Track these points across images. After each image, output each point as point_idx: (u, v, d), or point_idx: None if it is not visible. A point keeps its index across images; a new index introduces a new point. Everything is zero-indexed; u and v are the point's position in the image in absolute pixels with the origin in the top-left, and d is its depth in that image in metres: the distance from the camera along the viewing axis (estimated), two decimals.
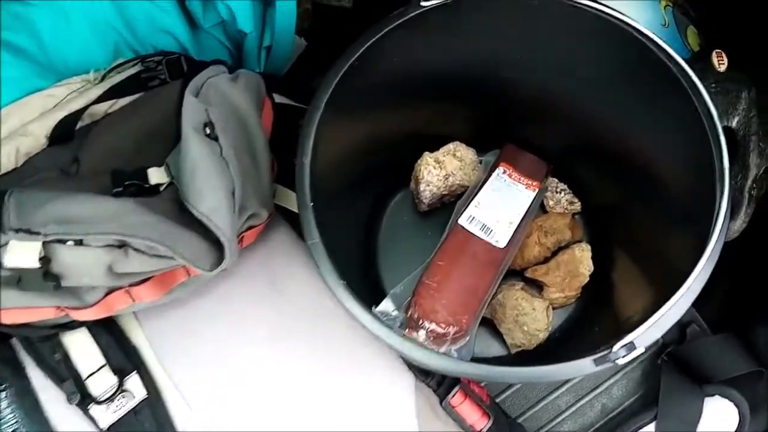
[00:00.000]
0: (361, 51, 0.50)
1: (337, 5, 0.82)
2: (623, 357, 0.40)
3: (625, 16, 0.49)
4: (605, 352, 0.40)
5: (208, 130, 0.48)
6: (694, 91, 0.47)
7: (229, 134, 0.49)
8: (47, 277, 0.43)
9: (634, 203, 0.60)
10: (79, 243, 0.43)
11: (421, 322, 0.48)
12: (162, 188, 0.50)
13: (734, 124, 0.54)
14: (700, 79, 0.47)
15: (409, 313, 0.49)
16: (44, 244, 0.42)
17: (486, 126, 0.69)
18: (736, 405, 0.59)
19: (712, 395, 0.59)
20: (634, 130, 0.56)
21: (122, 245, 0.44)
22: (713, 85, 0.54)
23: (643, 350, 0.40)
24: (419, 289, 0.51)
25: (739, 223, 0.54)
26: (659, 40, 0.48)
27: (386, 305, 0.50)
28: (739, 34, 0.59)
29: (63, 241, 0.42)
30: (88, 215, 0.43)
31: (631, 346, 0.40)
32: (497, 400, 0.62)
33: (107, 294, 0.47)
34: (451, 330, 0.48)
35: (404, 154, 0.68)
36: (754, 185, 0.54)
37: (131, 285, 0.48)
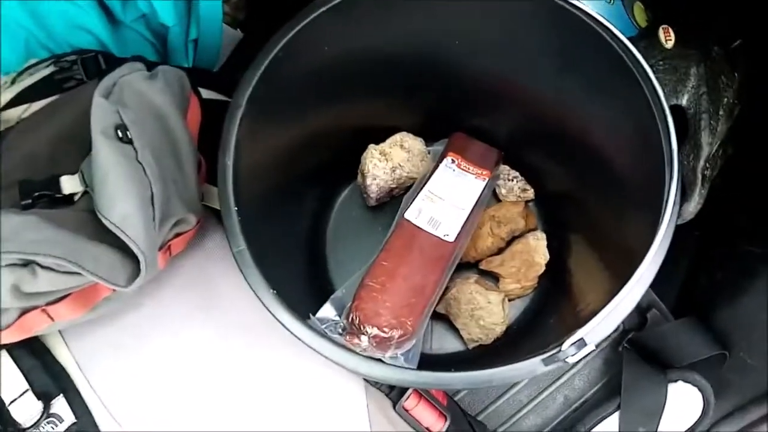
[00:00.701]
0: (285, 41, 0.46)
1: None
2: (573, 355, 0.37)
3: None
4: (554, 351, 0.38)
5: (120, 133, 0.44)
6: (639, 71, 0.45)
7: (145, 136, 0.46)
8: None
9: (587, 188, 0.58)
10: None
11: (362, 327, 0.45)
12: (77, 198, 0.46)
13: (684, 101, 0.51)
14: (647, 56, 0.44)
15: (351, 318, 0.46)
16: None
17: (433, 115, 0.66)
18: (701, 390, 0.58)
19: (676, 381, 0.58)
20: (582, 113, 0.54)
21: (27, 263, 0.40)
22: (661, 62, 0.52)
23: (593, 348, 0.38)
24: (361, 291, 0.48)
25: (694, 205, 0.52)
26: (602, 19, 0.46)
27: (326, 311, 0.47)
28: (687, 9, 0.57)
29: None
30: None
31: (581, 344, 0.38)
32: (456, 398, 0.59)
33: (21, 314, 0.43)
34: (396, 334, 0.45)
35: (349, 148, 0.64)
36: (707, 165, 0.51)
37: (48, 304, 0.44)
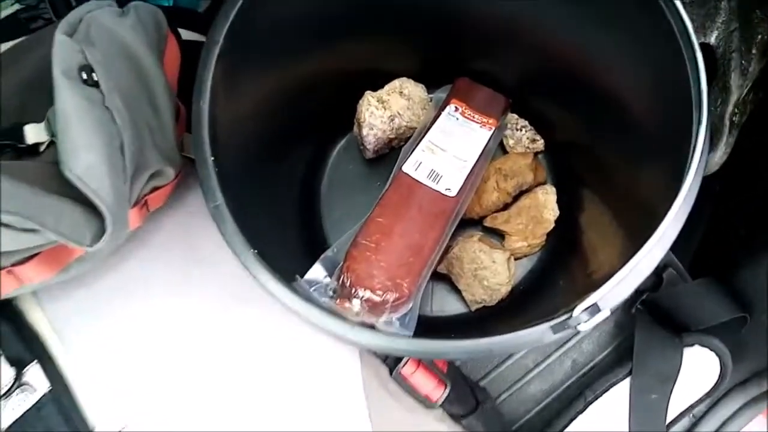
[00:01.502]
0: None
1: None
2: (585, 322, 0.33)
3: None
4: (564, 318, 0.34)
5: (84, 75, 0.39)
6: (666, 2, 0.39)
7: (114, 78, 0.41)
8: None
9: (601, 138, 0.53)
10: None
11: (354, 290, 0.41)
12: (42, 148, 0.42)
13: (713, 39, 0.46)
14: None
15: (341, 279, 0.42)
16: None
17: (435, 58, 0.61)
18: (718, 355, 0.54)
19: (692, 345, 0.54)
20: (597, 52, 0.48)
21: None
22: None
23: (608, 313, 0.34)
24: (353, 251, 0.44)
25: (720, 155, 0.48)
26: None
27: (316, 272, 0.43)
28: None
29: None
30: None
31: (594, 309, 0.34)
32: (456, 363, 0.56)
33: None
34: (390, 297, 0.41)
35: (345, 95, 0.59)
36: (736, 110, 0.47)
37: (14, 264, 0.40)
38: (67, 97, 0.38)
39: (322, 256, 0.44)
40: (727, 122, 0.46)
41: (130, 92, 0.43)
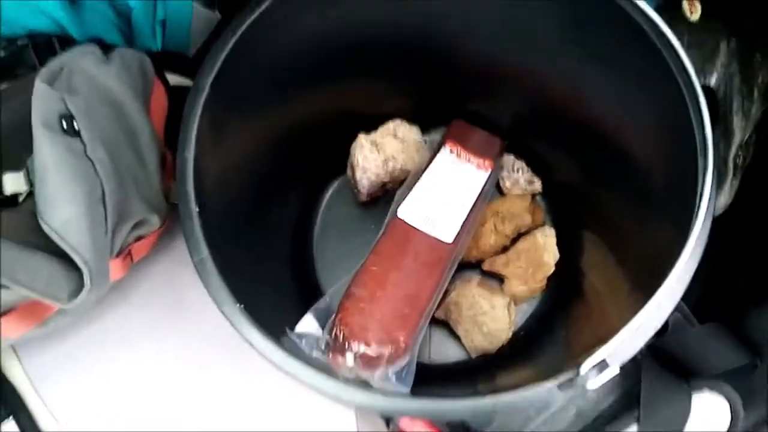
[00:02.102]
0: (258, 12, 0.40)
1: None
2: (593, 380, 0.31)
3: None
4: (571, 375, 0.32)
5: (65, 124, 0.38)
6: (665, 44, 0.39)
7: (97, 127, 0.40)
8: None
9: (601, 180, 0.52)
10: None
11: (347, 344, 0.39)
12: (21, 199, 0.41)
13: (713, 82, 0.45)
14: (671, 30, 0.38)
15: (334, 333, 0.40)
16: None
17: (429, 100, 0.60)
18: (729, 400, 0.52)
19: (701, 390, 0.52)
20: (596, 94, 0.47)
21: None
22: (685, 37, 0.46)
23: (617, 370, 0.32)
24: (345, 302, 0.42)
25: (725, 199, 0.46)
26: None
27: (307, 324, 0.41)
28: None
29: None
30: None
31: (602, 365, 0.32)
32: None
33: None
34: (386, 351, 0.39)
35: (337, 138, 0.58)
36: (739, 153, 0.46)
37: None
38: (46, 147, 0.37)
39: (313, 307, 0.43)
40: (731, 165, 0.45)
41: (114, 141, 0.41)
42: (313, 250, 0.58)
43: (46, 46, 0.49)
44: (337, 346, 0.39)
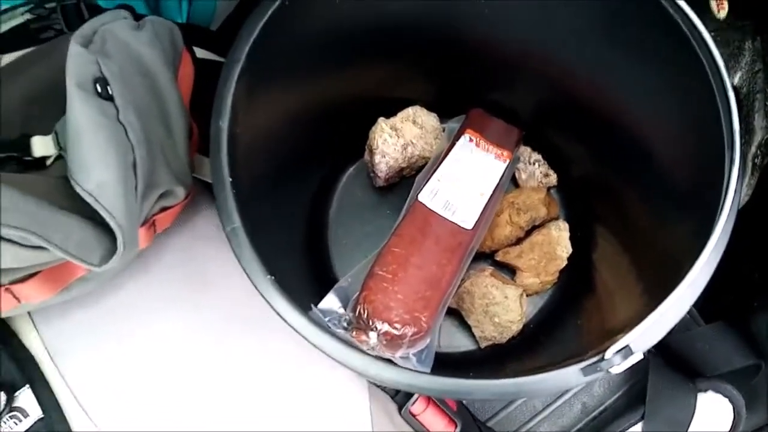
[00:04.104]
0: None
1: None
2: (618, 365, 0.32)
3: None
4: (596, 359, 0.32)
5: (99, 88, 0.38)
6: (697, 38, 0.39)
7: (129, 93, 0.40)
8: None
9: (619, 176, 0.52)
10: None
11: (371, 322, 0.39)
12: (49, 162, 0.41)
13: (736, 80, 0.46)
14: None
15: (358, 311, 0.40)
16: None
17: (449, 88, 0.60)
18: (732, 401, 0.53)
19: (706, 391, 0.53)
20: (620, 88, 0.48)
21: None
22: (711, 33, 0.46)
23: (641, 356, 0.32)
24: (369, 281, 0.42)
25: (742, 196, 0.47)
26: None
27: (330, 302, 0.41)
28: None
29: None
30: None
31: (627, 351, 0.32)
32: (465, 402, 0.54)
33: None
34: (409, 331, 0.39)
35: (357, 121, 0.58)
36: (759, 152, 0.46)
37: (12, 282, 0.38)
38: (81, 110, 0.36)
39: (335, 286, 0.43)
40: (749, 164, 0.46)
41: (145, 109, 0.41)
42: (328, 229, 0.58)
43: (75, 10, 0.49)
44: (360, 324, 0.40)
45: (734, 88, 0.46)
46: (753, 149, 0.46)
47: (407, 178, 0.60)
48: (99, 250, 0.36)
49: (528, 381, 0.33)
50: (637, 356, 0.32)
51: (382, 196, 0.61)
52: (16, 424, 0.41)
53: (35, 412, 0.42)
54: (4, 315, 0.41)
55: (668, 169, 0.44)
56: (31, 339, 0.44)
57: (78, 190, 0.35)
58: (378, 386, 0.46)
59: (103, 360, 0.44)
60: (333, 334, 0.33)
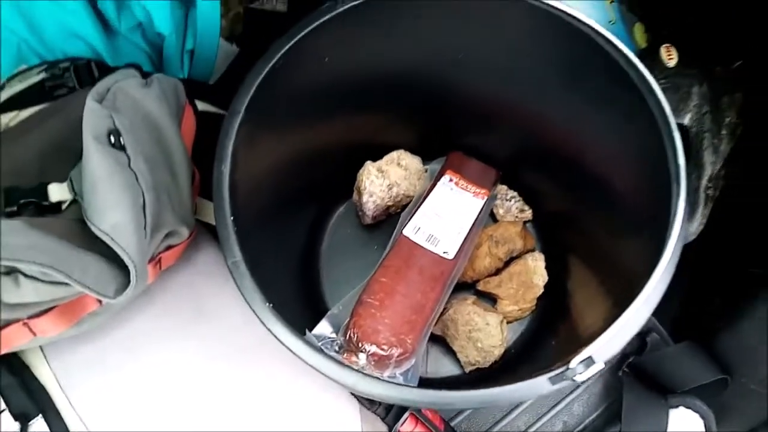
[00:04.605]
0: (286, 49, 0.45)
1: (271, 10, 0.77)
2: (581, 374, 0.36)
3: (571, 8, 0.46)
4: (562, 370, 0.36)
5: (112, 139, 0.42)
6: (645, 87, 0.44)
7: (139, 144, 0.44)
8: None
9: (586, 209, 0.57)
10: None
11: (360, 344, 0.43)
12: (64, 207, 0.45)
13: (686, 120, 0.51)
14: (651, 74, 0.43)
15: (348, 335, 0.44)
16: None
17: (430, 133, 0.65)
18: (702, 416, 0.56)
19: (677, 407, 0.56)
20: (582, 131, 0.53)
21: (10, 272, 0.38)
22: (662, 80, 0.52)
23: (602, 366, 0.36)
24: (359, 308, 0.46)
25: (696, 225, 0.52)
26: (606, 33, 0.45)
27: (323, 328, 0.45)
28: (688, 29, 0.57)
29: None
30: None
31: (589, 361, 0.36)
32: (452, 424, 0.57)
33: (2, 328, 0.41)
34: (395, 352, 0.43)
35: (346, 165, 0.63)
36: (710, 185, 0.51)
37: (30, 317, 0.42)
38: (98, 159, 0.41)
39: (327, 314, 0.47)
40: (702, 195, 0.51)
41: (152, 158, 0.45)
42: (320, 265, 0.62)
43: (86, 69, 0.53)
44: (350, 347, 0.43)
45: (684, 127, 0.51)
46: (704, 182, 0.51)
47: (393, 216, 0.64)
48: (114, 284, 0.39)
49: (503, 390, 0.36)
50: (598, 366, 0.36)
51: (370, 233, 0.65)
52: None
53: None
54: (18, 348, 0.45)
55: (626, 200, 0.49)
56: (43, 371, 0.47)
57: (95, 230, 0.39)
58: (368, 409, 0.49)
59: (110, 389, 0.47)
60: (326, 355, 0.37)
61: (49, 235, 0.39)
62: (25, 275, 0.38)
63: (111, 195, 0.40)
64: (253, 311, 0.38)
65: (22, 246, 0.37)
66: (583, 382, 0.55)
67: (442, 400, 0.36)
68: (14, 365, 0.47)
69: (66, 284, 0.39)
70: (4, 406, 0.46)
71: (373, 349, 0.43)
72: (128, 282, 0.40)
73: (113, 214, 0.39)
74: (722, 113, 0.51)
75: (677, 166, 0.41)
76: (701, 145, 0.51)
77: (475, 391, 0.36)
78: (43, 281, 0.39)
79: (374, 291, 0.47)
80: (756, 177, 0.53)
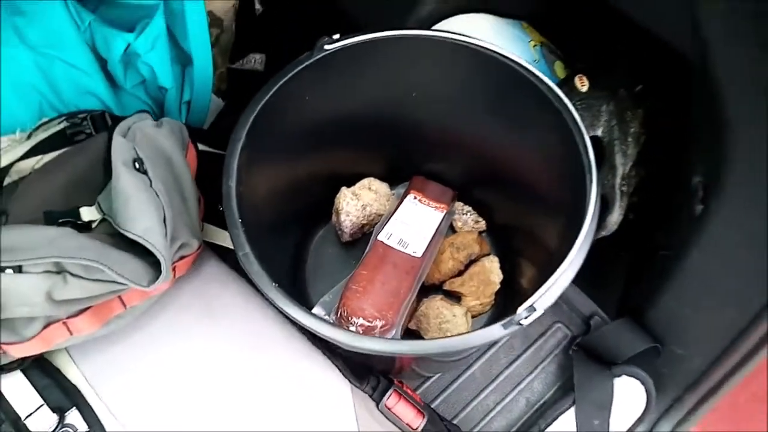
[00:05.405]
0: (275, 88, 0.56)
1: (250, 69, 0.89)
2: (526, 318, 0.45)
3: (503, 49, 0.58)
4: (510, 317, 0.46)
5: (137, 165, 0.52)
6: (563, 108, 0.55)
7: (156, 170, 0.54)
8: None
9: (527, 217, 0.68)
10: (18, 270, 0.45)
11: (350, 318, 0.52)
12: (94, 225, 0.53)
13: (599, 132, 0.63)
14: (568, 98, 0.55)
15: (339, 313, 0.53)
16: None
17: (394, 163, 0.76)
18: (642, 382, 0.66)
19: (620, 375, 0.66)
20: (517, 150, 0.64)
21: (60, 271, 0.46)
22: (578, 102, 0.64)
23: (541, 312, 0.46)
24: (346, 293, 0.56)
25: (616, 216, 0.63)
26: (532, 68, 0.57)
27: (317, 311, 0.54)
28: (597, 63, 0.70)
29: (2, 269, 0.44)
30: (27, 242, 0.45)
31: (531, 309, 0.46)
32: (432, 406, 0.66)
33: (45, 327, 0.49)
34: (378, 324, 0.52)
35: (325, 193, 0.74)
36: (623, 182, 0.63)
37: (69, 317, 0.50)
38: (127, 179, 0.50)
39: (320, 301, 0.56)
40: (618, 191, 0.62)
41: (166, 182, 0.55)
42: (306, 278, 0.72)
43: (101, 118, 0.63)
44: (342, 323, 0.52)
45: (597, 138, 0.63)
46: (618, 180, 0.63)
47: (367, 234, 0.74)
48: (147, 277, 0.48)
49: (466, 337, 0.45)
50: (538, 312, 0.46)
51: (349, 250, 0.75)
52: None
53: (82, 426, 0.51)
54: (56, 347, 0.52)
55: (555, 198, 0.59)
56: (72, 372, 0.54)
57: (129, 235, 0.48)
58: (358, 387, 0.58)
59: (132, 382, 0.55)
60: (326, 321, 0.46)
61: (93, 239, 0.48)
62: (72, 274, 0.47)
63: (141, 206, 0.49)
64: (261, 292, 0.47)
65: (73, 247, 0.46)
66: (540, 361, 0.64)
67: (419, 348, 0.45)
68: (47, 369, 0.54)
69: (104, 281, 0.48)
70: (37, 404, 0.52)
71: (361, 321, 0.52)
72: (157, 276, 0.49)
73: (143, 220, 0.48)
74: (627, 124, 0.64)
75: (589, 162, 0.52)
76: (613, 151, 0.63)
77: (444, 340, 0.45)
78: (86, 279, 0.47)
79: (358, 280, 0.57)
80: (659, 177, 0.66)
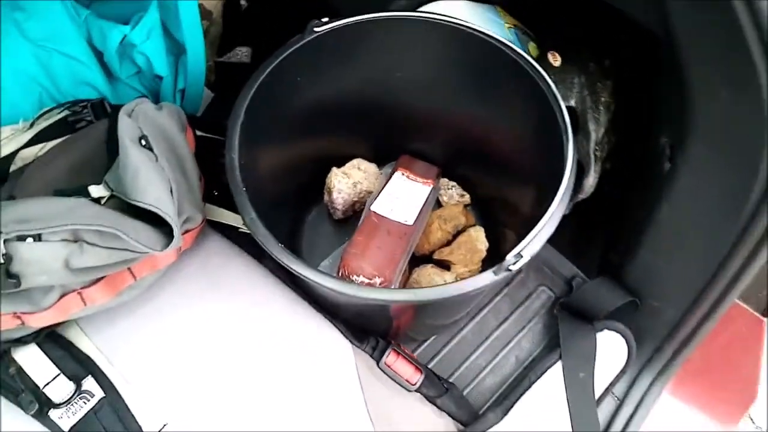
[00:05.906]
0: (271, 68, 0.59)
1: (237, 61, 0.92)
2: (514, 264, 0.49)
3: (481, 27, 0.63)
4: (500, 264, 0.50)
5: (143, 142, 0.55)
6: (539, 77, 0.60)
7: (159, 148, 0.57)
8: (8, 276, 0.47)
9: (507, 188, 0.73)
10: (37, 239, 0.47)
11: (350, 277, 0.56)
12: (103, 201, 0.56)
13: (573, 102, 0.68)
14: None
15: (340, 273, 0.57)
16: (5, 242, 0.47)
17: (382, 143, 0.80)
18: (622, 335, 0.70)
19: (602, 330, 0.70)
20: (497, 126, 0.69)
21: (77, 240, 0.49)
22: (552, 76, 0.68)
23: (528, 258, 0.50)
24: (345, 256, 0.59)
25: (592, 180, 0.67)
26: (510, 43, 0.61)
27: None
28: (566, 40, 0.75)
29: (23, 238, 0.47)
30: (46, 212, 0.48)
31: (518, 256, 0.50)
32: (429, 366, 0.69)
33: (60, 297, 0.52)
34: (378, 280, 0.56)
35: (316, 174, 0.77)
36: (597, 147, 0.67)
37: (83, 287, 0.52)
38: (135, 155, 0.53)
39: (319, 266, 0.59)
40: (592, 156, 0.67)
41: (170, 160, 0.58)
42: (301, 255, 0.75)
43: (100, 106, 0.66)
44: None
45: (572, 108, 0.68)
46: (592, 145, 0.67)
47: (358, 212, 0.78)
48: (160, 242, 0.51)
49: (462, 284, 0.49)
50: (525, 259, 0.50)
51: (342, 227, 0.78)
52: (86, 402, 0.54)
53: (98, 393, 0.54)
54: (71, 317, 0.55)
55: (537, 171, 0.63)
56: (85, 344, 0.57)
57: (142, 205, 0.51)
58: (358, 347, 0.61)
59: (143, 350, 0.57)
60: (332, 276, 0.49)
61: (107, 209, 0.50)
62: (88, 242, 0.50)
63: (150, 176, 0.52)
64: (268, 250, 0.50)
65: (89, 215, 0.49)
66: (527, 322, 0.68)
67: (421, 295, 0.49)
68: (60, 341, 0.57)
69: (118, 249, 0.51)
70: (54, 374, 0.55)
71: (361, 278, 0.56)
72: (168, 242, 0.52)
73: (154, 190, 0.51)
74: (598, 95, 0.68)
75: (565, 125, 0.57)
76: (586, 119, 0.67)
77: (444, 286, 0.49)
78: (102, 246, 0.50)
79: (355, 245, 0.60)
80: (628, 140, 0.70)
